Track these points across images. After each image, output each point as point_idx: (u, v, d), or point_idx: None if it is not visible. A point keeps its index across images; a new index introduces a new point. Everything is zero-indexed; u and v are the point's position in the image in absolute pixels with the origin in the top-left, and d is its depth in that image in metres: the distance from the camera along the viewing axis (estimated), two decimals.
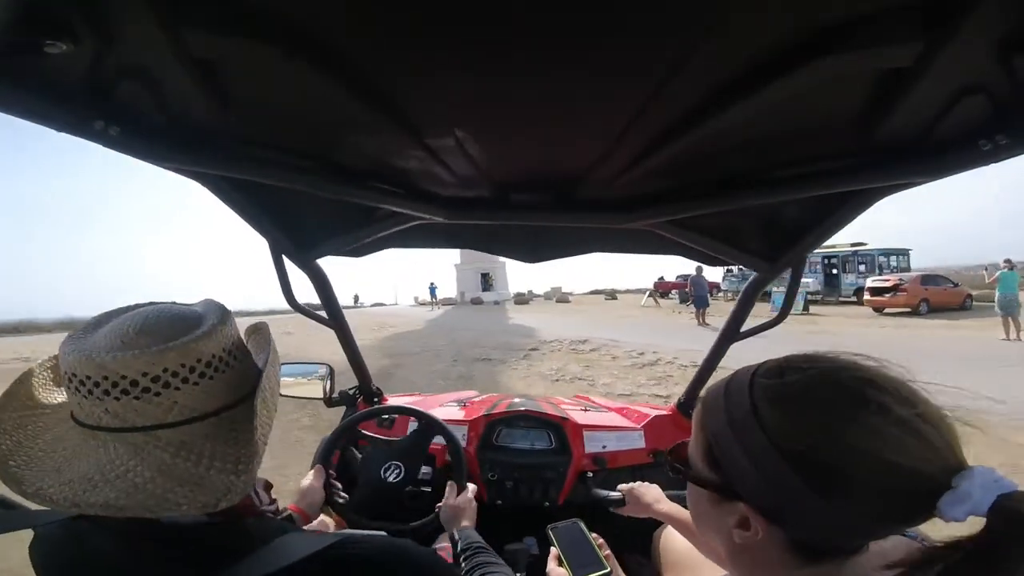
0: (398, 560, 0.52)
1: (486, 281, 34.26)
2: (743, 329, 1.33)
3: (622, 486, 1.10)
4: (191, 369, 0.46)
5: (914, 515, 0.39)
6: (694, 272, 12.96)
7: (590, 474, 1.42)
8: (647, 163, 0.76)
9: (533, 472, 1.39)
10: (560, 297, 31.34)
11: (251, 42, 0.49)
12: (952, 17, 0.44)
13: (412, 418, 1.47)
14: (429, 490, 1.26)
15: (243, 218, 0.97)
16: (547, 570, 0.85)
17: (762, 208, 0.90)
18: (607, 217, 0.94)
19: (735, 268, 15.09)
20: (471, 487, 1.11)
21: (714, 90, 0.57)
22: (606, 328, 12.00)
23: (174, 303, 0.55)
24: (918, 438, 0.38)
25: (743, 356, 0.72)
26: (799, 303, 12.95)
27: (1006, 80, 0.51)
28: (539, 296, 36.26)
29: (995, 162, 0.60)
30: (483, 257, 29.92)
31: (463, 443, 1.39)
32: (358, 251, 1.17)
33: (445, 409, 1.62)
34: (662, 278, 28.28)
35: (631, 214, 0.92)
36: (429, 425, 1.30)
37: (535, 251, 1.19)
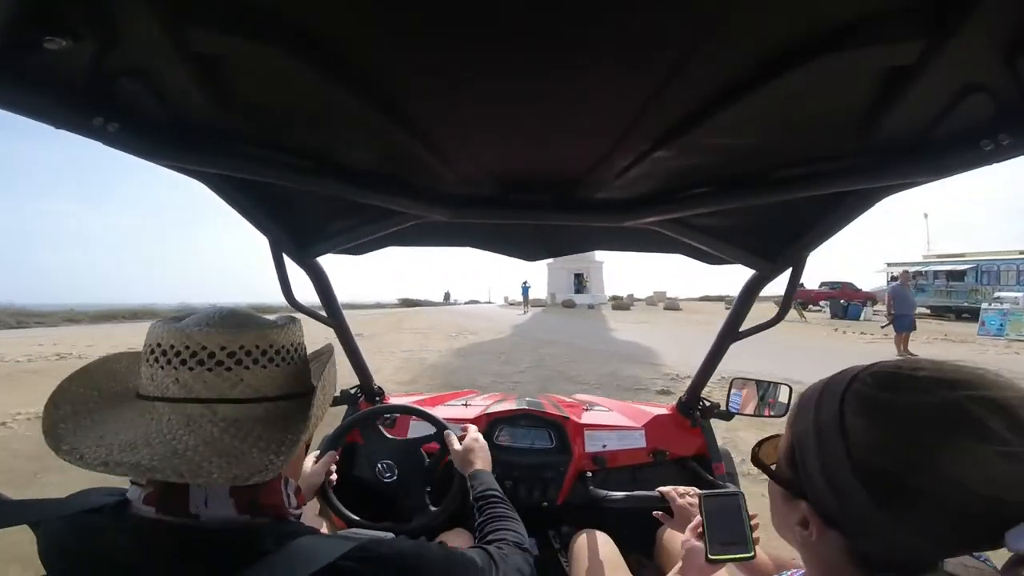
0: (416, 563, 0.52)
1: (579, 282, 31.57)
2: (742, 328, 1.32)
3: (662, 488, 1.06)
4: (263, 352, 0.51)
5: (979, 542, 0.38)
6: (893, 281, 10.20)
7: (589, 474, 1.40)
8: (648, 162, 0.76)
9: (533, 472, 1.38)
10: (669, 303, 27.55)
11: (252, 40, 0.50)
12: (954, 16, 0.44)
13: (414, 417, 1.45)
14: (429, 489, 1.22)
15: (243, 216, 0.98)
16: (681, 540, 0.84)
17: (763, 207, 0.87)
18: (608, 216, 0.94)
19: (908, 274, 10.52)
20: (471, 427, 1.10)
21: (715, 89, 0.57)
22: (763, 356, 6.63)
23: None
24: (1014, 466, 0.36)
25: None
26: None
27: (1008, 79, 0.50)
28: (639, 300, 33.35)
29: (997, 162, 0.58)
30: (577, 256, 26.48)
31: (457, 430, 1.38)
32: (358, 249, 1.19)
33: (448, 408, 1.62)
34: (802, 285, 22.57)
35: (632, 213, 0.92)
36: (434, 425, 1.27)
37: (535, 249, 1.20)
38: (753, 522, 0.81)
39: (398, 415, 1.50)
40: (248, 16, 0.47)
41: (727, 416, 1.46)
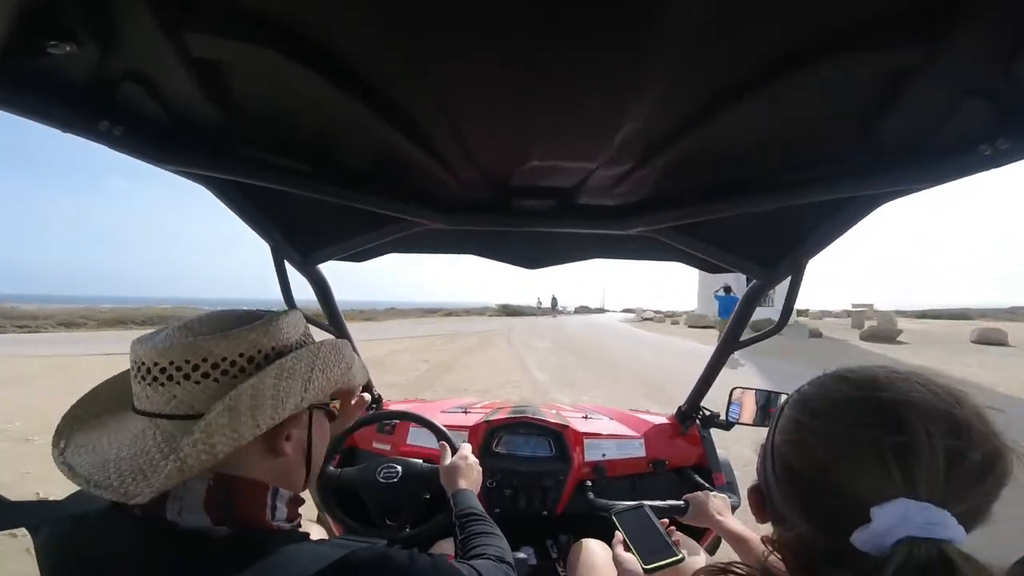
0: (396, 568, 0.50)
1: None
2: (742, 338, 1.32)
3: (688, 495, 1.09)
4: (194, 367, 0.48)
5: (838, 540, 0.39)
6: None
7: (589, 483, 1.39)
8: (647, 169, 0.76)
9: (532, 480, 1.37)
10: (880, 330, 14.90)
11: (254, 46, 0.50)
12: (953, 21, 0.44)
13: (413, 424, 1.46)
14: (428, 496, 1.22)
15: (245, 221, 0.99)
16: (614, 554, 0.87)
17: (762, 215, 0.87)
18: (608, 223, 0.94)
19: None
20: (465, 446, 1.09)
21: (715, 96, 0.57)
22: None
23: (261, 311, 0.56)
24: (885, 465, 0.37)
25: None
26: None
27: (1006, 84, 0.50)
28: (830, 315, 27.21)
29: (996, 167, 0.58)
30: None
31: (459, 442, 1.38)
32: (358, 256, 1.19)
33: (447, 415, 1.60)
34: None
35: (632, 220, 0.92)
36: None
37: (535, 257, 1.20)
38: (667, 527, 0.86)
39: (397, 421, 1.50)
40: (249, 22, 0.48)
41: (727, 426, 1.45)
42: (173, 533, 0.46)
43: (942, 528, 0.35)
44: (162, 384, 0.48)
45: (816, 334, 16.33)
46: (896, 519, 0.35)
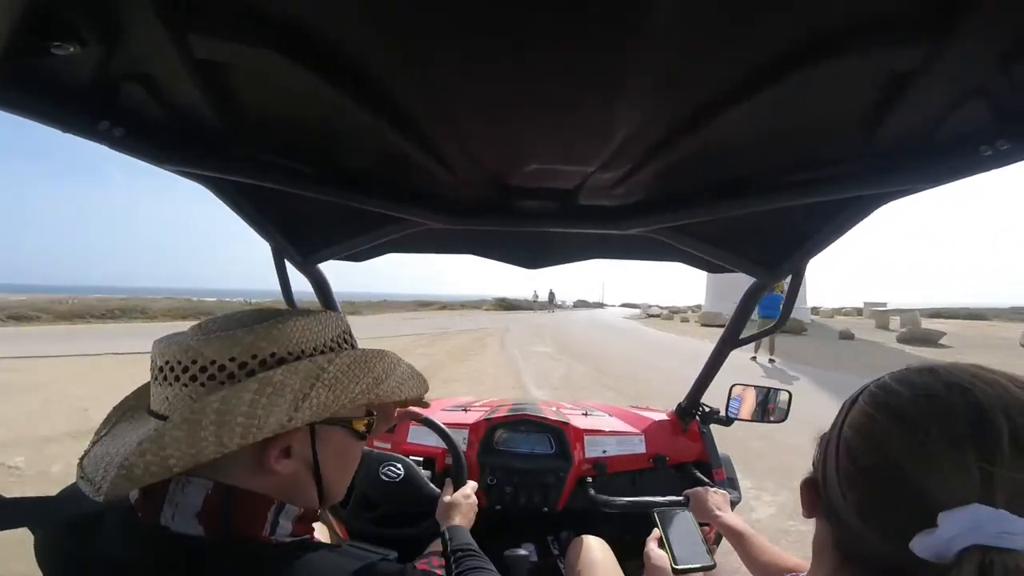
0: None
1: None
2: (742, 336, 1.35)
3: (688, 491, 1.11)
4: (184, 368, 0.46)
5: (895, 544, 0.37)
6: None
7: (590, 479, 1.40)
8: (648, 169, 0.76)
9: (533, 477, 1.38)
10: (918, 331, 13.38)
11: (256, 46, 0.50)
12: (953, 21, 0.44)
13: (413, 422, 1.44)
14: (418, 509, 1.23)
15: (246, 221, 1.00)
16: (646, 549, 0.93)
17: (762, 215, 0.88)
18: (608, 223, 0.94)
19: None
20: (470, 484, 1.11)
21: (715, 96, 0.57)
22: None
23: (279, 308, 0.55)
24: (966, 467, 0.35)
25: None
26: None
27: (1007, 85, 0.50)
28: (840, 313, 23.73)
29: (996, 168, 0.58)
30: None
31: (463, 447, 1.39)
32: (359, 256, 1.20)
33: (446, 413, 1.61)
34: None
35: (632, 220, 0.92)
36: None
37: (535, 257, 1.21)
38: (707, 535, 0.91)
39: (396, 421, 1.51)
40: (251, 23, 0.48)
41: (727, 422, 1.48)
42: (165, 539, 0.45)
43: (1018, 539, 0.33)
44: (159, 384, 0.48)
45: (847, 335, 14.74)
46: (966, 525, 0.34)
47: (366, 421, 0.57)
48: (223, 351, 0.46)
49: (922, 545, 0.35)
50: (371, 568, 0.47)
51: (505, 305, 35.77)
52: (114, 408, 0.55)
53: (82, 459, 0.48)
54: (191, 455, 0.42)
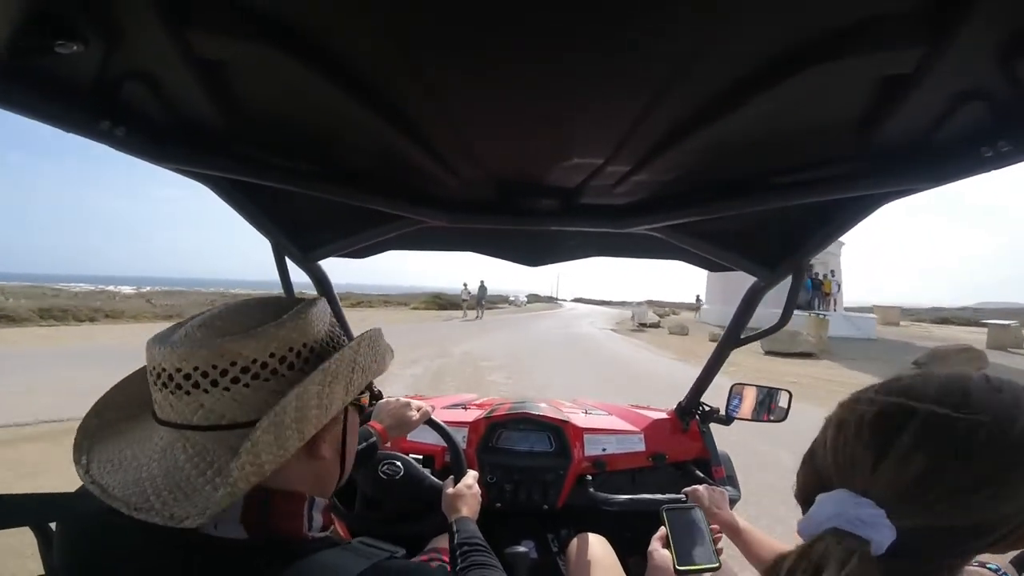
0: None
1: (814, 285, 16.12)
2: (743, 335, 1.35)
3: (687, 489, 1.11)
4: (222, 372, 0.44)
5: None
6: None
7: (589, 477, 1.41)
8: (649, 168, 0.76)
9: (532, 475, 1.38)
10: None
11: (256, 45, 0.50)
12: (953, 22, 0.44)
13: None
14: (420, 504, 1.23)
15: (246, 219, 1.00)
16: (651, 548, 0.93)
17: (763, 214, 0.89)
18: (609, 221, 0.95)
19: None
20: (471, 473, 1.11)
21: (715, 96, 0.58)
22: None
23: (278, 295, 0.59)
24: (855, 457, 0.38)
25: None
26: None
27: (1007, 85, 0.50)
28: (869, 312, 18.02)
29: (997, 168, 0.58)
30: None
31: (463, 445, 1.39)
32: (359, 253, 1.21)
33: (446, 411, 1.62)
34: None
35: (633, 219, 0.93)
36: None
37: (537, 255, 1.22)
38: (716, 534, 0.89)
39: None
40: (251, 22, 0.48)
41: (726, 421, 1.48)
42: (207, 544, 0.44)
43: (868, 529, 0.34)
44: (187, 392, 0.44)
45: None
46: (831, 509, 0.35)
47: (367, 396, 0.60)
48: (261, 349, 0.45)
49: (801, 525, 0.37)
50: (417, 567, 0.50)
51: (440, 303, 27.05)
52: (80, 434, 0.51)
53: (107, 493, 0.45)
54: (280, 456, 0.44)
